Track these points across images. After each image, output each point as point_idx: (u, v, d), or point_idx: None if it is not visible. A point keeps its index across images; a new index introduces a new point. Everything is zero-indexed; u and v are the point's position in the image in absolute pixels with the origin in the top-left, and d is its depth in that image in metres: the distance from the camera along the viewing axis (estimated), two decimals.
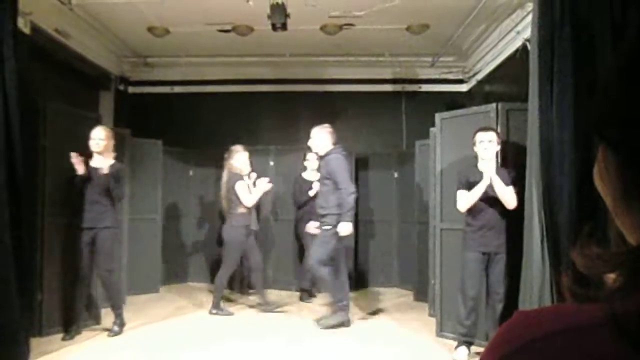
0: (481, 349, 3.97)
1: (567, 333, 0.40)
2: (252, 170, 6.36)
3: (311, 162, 6.17)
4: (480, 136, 3.93)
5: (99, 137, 4.41)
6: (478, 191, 3.88)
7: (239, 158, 5.40)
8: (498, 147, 3.96)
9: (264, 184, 5.30)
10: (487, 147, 3.90)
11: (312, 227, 5.34)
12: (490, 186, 3.84)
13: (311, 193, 5.95)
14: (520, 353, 0.41)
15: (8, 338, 3.55)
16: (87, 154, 4.38)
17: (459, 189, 4.03)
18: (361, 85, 7.45)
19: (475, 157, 4.03)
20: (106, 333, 4.50)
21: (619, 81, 0.45)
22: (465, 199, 3.96)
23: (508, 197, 3.82)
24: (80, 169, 4.27)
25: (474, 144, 3.99)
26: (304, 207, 6.09)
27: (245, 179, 5.94)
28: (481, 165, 3.95)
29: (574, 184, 2.92)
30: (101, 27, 6.06)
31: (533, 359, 0.40)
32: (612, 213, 0.48)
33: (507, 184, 3.84)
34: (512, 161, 4.16)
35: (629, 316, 0.39)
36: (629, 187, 0.45)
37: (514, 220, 3.95)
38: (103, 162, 4.39)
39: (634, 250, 0.43)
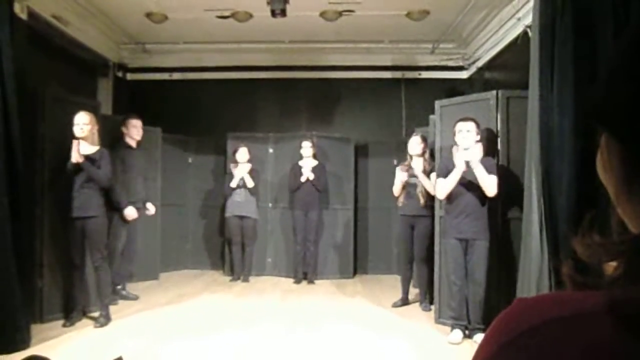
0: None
1: (567, 320, 0.40)
2: (251, 159, 6.41)
3: (305, 149, 6.25)
4: (460, 126, 4.03)
5: (83, 122, 4.29)
6: (452, 179, 3.99)
7: (410, 143, 5.12)
8: (477, 137, 4.02)
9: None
10: (465, 136, 3.99)
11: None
12: (466, 173, 3.94)
13: (302, 179, 6.20)
14: (519, 340, 0.41)
15: (9, 324, 3.57)
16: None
17: (438, 177, 4.17)
18: (361, 72, 7.41)
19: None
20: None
21: (623, 67, 0.44)
22: (442, 187, 4.09)
23: (488, 183, 3.89)
24: (75, 157, 4.19)
25: (454, 133, 4.08)
26: (297, 192, 6.31)
27: (241, 167, 6.01)
28: (456, 155, 4.04)
29: (573, 171, 2.92)
30: (99, 13, 6.01)
31: (533, 346, 0.40)
32: (614, 201, 0.48)
33: (490, 173, 3.91)
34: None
35: (629, 304, 0.39)
36: (632, 176, 0.44)
37: (492, 207, 4.09)
38: (88, 148, 4.34)
39: (636, 239, 0.43)
